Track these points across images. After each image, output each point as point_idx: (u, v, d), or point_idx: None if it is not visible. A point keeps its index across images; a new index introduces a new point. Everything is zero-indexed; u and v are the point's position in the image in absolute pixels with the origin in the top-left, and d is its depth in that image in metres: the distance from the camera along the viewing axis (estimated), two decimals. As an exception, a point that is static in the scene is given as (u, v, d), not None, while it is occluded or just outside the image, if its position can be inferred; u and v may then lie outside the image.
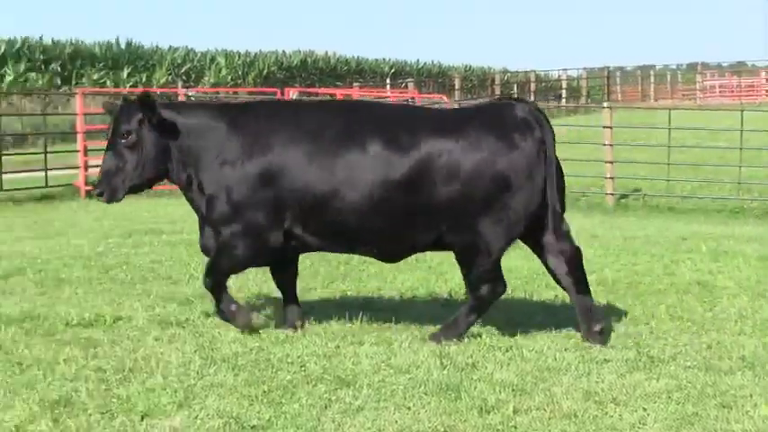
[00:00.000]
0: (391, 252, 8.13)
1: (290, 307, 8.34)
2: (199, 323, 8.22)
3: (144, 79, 45.64)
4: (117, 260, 11.52)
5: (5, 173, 20.04)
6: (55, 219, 16.45)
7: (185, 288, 9.90)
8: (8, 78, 40.16)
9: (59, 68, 43.26)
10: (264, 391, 6.45)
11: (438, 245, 8.00)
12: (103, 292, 9.67)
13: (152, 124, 7.91)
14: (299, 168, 7.76)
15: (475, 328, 8.17)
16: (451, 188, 7.70)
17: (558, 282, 8.12)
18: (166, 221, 15.55)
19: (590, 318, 7.93)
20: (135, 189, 8.14)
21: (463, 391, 6.50)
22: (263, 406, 6.18)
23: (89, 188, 19.00)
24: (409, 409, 6.23)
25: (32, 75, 41.30)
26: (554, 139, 7.91)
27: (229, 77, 49.37)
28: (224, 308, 8.00)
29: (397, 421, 6.01)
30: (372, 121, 7.92)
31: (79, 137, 21.45)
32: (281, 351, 7.42)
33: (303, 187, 7.75)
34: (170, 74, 46.64)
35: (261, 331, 7.98)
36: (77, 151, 21.28)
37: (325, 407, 6.22)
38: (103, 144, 8.38)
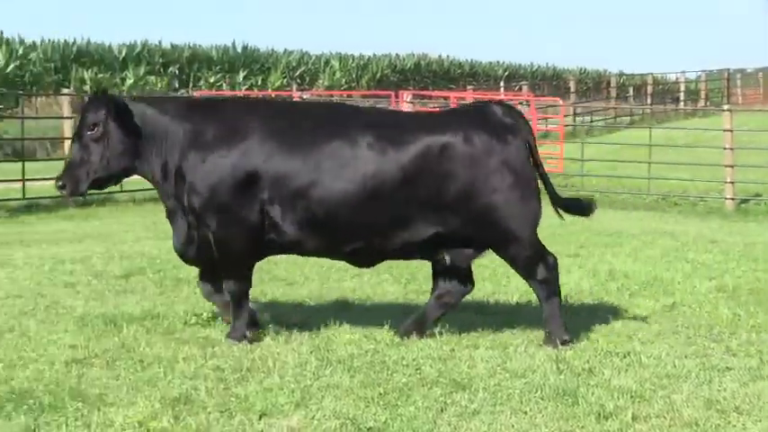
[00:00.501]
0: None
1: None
2: (314, 324, 8.27)
3: (259, 82, 46.25)
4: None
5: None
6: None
7: (300, 290, 9.98)
8: (129, 81, 41.05)
9: (177, 71, 44.09)
10: (380, 393, 6.46)
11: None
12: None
13: (118, 118, 7.85)
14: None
15: (592, 333, 8.08)
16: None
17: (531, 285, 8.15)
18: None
19: (557, 323, 7.90)
20: (100, 183, 8.05)
21: (580, 397, 6.42)
22: (379, 408, 6.20)
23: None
24: (526, 413, 6.18)
25: (152, 78, 42.13)
26: (535, 142, 8.11)
27: (343, 80, 49.71)
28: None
29: (513, 425, 5.97)
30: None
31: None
32: (396, 353, 7.43)
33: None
34: (285, 77, 47.15)
35: (375, 334, 8.01)
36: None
37: (441, 410, 6.21)
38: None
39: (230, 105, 8.52)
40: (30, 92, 35.16)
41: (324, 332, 8.08)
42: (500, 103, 8.37)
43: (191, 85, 43.34)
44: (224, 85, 44.22)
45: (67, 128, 20.33)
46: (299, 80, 47.27)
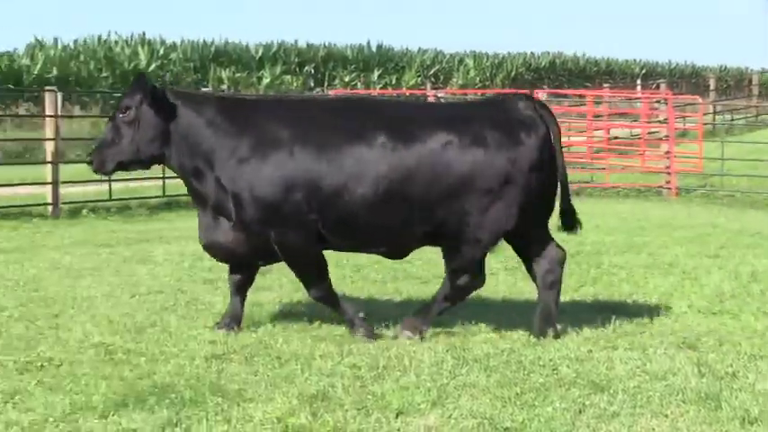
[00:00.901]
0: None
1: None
2: (449, 323, 8.24)
3: (394, 81, 46.45)
4: (369, 259, 11.71)
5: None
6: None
7: (434, 288, 9.95)
8: (265, 81, 41.67)
9: (313, 71, 44.59)
10: (517, 393, 6.39)
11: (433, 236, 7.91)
12: (356, 291, 9.84)
13: (151, 105, 7.89)
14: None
15: (735, 337, 7.88)
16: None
17: (534, 277, 8.13)
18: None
19: (547, 318, 7.94)
20: (124, 166, 8.11)
21: (723, 401, 6.25)
22: (515, 408, 6.13)
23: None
24: (666, 416, 6.04)
25: (287, 77, 42.70)
26: (560, 134, 8.00)
27: (477, 79, 49.63)
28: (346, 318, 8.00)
29: (654, 429, 5.84)
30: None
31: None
32: (533, 353, 7.35)
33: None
34: (419, 75, 47.30)
35: (511, 333, 7.95)
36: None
37: (580, 411, 6.11)
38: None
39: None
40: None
41: (459, 331, 8.05)
42: (527, 97, 8.23)
43: (326, 84, 43.77)
44: (358, 84, 44.55)
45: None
46: (433, 79, 47.35)
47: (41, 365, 6.90)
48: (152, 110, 7.92)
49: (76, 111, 31.73)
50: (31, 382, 6.44)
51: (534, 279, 8.15)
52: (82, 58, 37.78)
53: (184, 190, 18.18)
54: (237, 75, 41.15)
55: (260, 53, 43.54)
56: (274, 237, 7.79)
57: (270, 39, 46.07)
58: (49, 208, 17.10)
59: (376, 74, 46.20)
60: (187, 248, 12.78)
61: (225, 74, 40.71)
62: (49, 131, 18.05)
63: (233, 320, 8.14)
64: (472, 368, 6.95)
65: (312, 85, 43.93)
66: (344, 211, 7.70)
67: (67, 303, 9.12)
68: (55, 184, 17.41)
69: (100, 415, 5.86)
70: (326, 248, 8.01)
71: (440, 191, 7.68)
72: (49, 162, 17.76)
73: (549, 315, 7.98)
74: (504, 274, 10.28)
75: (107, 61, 38.11)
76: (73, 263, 11.79)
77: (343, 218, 7.72)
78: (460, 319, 8.29)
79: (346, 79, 44.76)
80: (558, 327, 8.04)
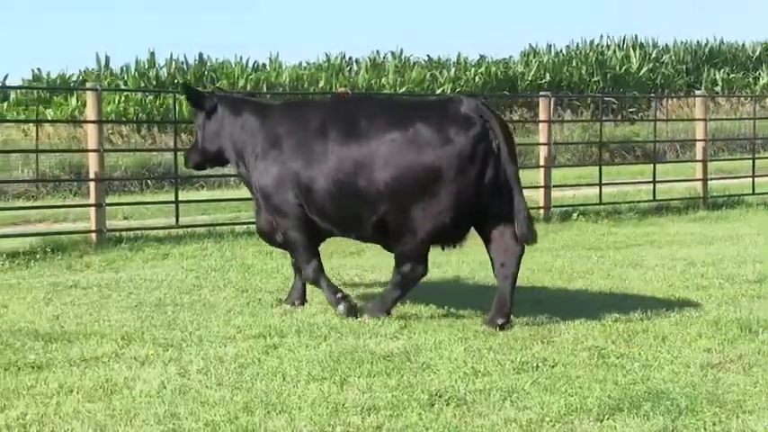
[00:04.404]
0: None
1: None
2: None
3: None
4: None
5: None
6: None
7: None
8: (762, 81, 40.05)
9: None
10: None
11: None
12: None
13: (210, 111, 9.38)
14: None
15: None
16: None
17: (494, 268, 8.49)
18: None
19: (501, 308, 8.30)
20: (197, 165, 9.86)
21: None
22: None
23: None
24: None
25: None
26: (506, 132, 8.36)
27: None
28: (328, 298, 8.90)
29: None
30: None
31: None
32: None
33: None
34: None
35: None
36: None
37: None
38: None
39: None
40: (661, 94, 35.55)
41: None
42: (472, 98, 8.71)
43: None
44: None
45: (699, 130, 20.26)
46: None
47: (536, 366, 7.03)
48: (209, 116, 9.41)
49: (567, 115, 32.25)
50: (527, 382, 6.58)
51: (493, 269, 8.53)
52: (574, 63, 38.33)
53: (676, 194, 18.02)
54: (732, 76, 39.91)
55: (757, 52, 41.94)
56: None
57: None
58: (541, 211, 17.48)
59: None
60: (679, 253, 12.58)
61: (719, 75, 39.63)
62: (542, 136, 18.47)
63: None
64: None
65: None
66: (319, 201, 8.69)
67: (560, 305, 9.24)
68: (547, 187, 17.78)
69: (595, 418, 5.86)
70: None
71: (380, 184, 8.33)
72: (541, 166, 18.17)
73: (504, 306, 8.30)
74: None
75: (598, 65, 38.38)
76: (564, 265, 11.97)
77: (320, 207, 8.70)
78: None
79: None
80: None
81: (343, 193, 8.52)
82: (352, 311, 8.69)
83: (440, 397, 6.24)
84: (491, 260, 8.53)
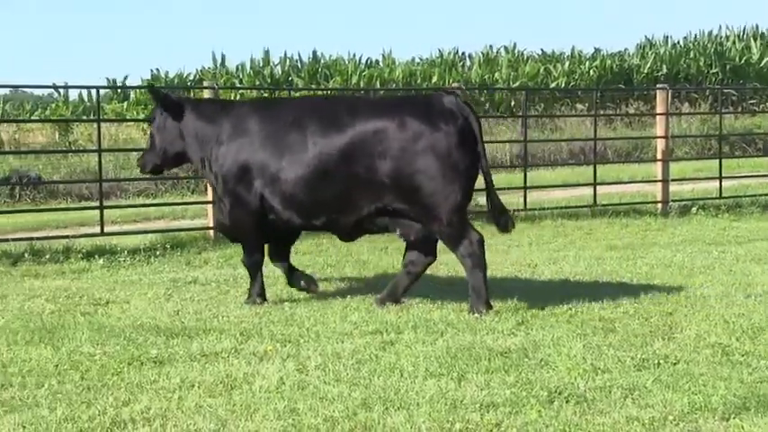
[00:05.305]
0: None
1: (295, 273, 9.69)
2: None
3: None
4: None
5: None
6: None
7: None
8: None
9: None
10: None
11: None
12: None
13: (166, 111, 9.53)
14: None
15: None
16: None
17: (403, 259, 9.16)
18: None
19: (479, 296, 8.61)
20: (156, 168, 9.92)
21: None
22: None
23: None
24: None
25: None
26: (480, 129, 8.78)
27: None
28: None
29: None
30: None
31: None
32: None
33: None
34: None
35: None
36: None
37: None
38: None
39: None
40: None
41: None
42: (451, 93, 9.03)
43: None
44: None
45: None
46: None
47: (658, 363, 6.90)
48: (169, 116, 9.54)
49: (685, 108, 31.67)
50: (649, 379, 6.45)
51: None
52: (692, 54, 37.66)
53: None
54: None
55: None
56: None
57: None
58: (659, 206, 17.19)
59: None
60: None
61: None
62: (659, 129, 18.15)
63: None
64: None
65: None
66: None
67: (681, 302, 9.07)
68: (665, 181, 17.47)
69: (720, 417, 5.72)
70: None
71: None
72: (659, 160, 17.86)
73: (481, 293, 8.58)
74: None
75: (717, 56, 37.64)
76: (684, 261, 11.75)
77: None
78: None
79: None
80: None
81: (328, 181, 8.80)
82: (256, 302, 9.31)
83: (559, 394, 6.16)
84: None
